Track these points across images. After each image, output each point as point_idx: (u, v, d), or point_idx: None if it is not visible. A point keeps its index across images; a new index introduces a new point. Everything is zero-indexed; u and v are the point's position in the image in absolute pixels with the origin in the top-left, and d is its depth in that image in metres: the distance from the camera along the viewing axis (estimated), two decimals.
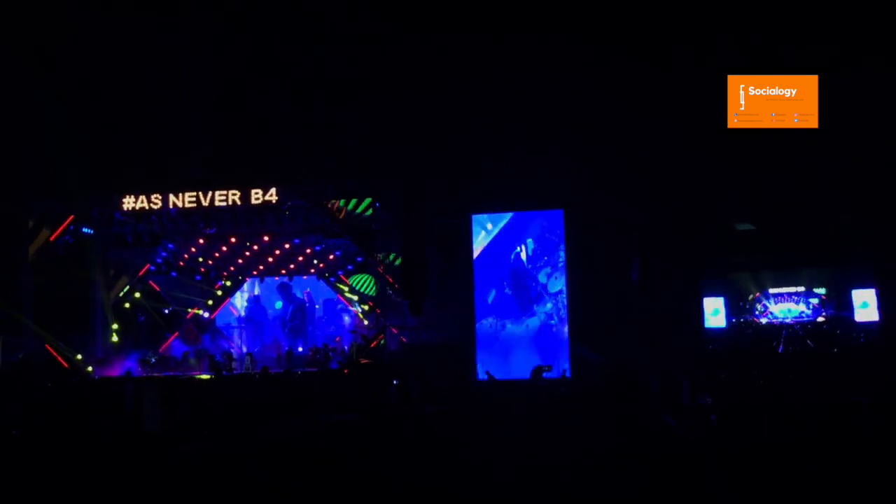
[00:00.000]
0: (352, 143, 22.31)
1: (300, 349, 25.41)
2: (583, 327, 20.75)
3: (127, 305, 25.53)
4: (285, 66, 22.38)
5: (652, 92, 20.05)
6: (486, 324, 21.64)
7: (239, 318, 27.97)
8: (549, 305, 21.36)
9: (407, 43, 21.14)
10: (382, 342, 22.80)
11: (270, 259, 25.93)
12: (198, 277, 27.01)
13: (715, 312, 22.37)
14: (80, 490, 10.06)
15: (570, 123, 21.11)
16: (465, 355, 21.15)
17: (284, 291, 27.68)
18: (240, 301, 28.50)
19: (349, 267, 25.57)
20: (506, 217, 21.84)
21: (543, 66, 20.75)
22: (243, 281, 27.92)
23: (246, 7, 21.87)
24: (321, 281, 26.91)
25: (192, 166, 22.71)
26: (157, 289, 26.44)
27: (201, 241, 24.44)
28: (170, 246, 24.93)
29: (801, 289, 22.66)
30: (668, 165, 20.49)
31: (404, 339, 22.56)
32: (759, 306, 22.72)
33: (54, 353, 22.85)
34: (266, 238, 24.28)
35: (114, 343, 24.76)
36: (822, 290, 22.51)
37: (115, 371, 23.14)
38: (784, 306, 22.59)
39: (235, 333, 27.08)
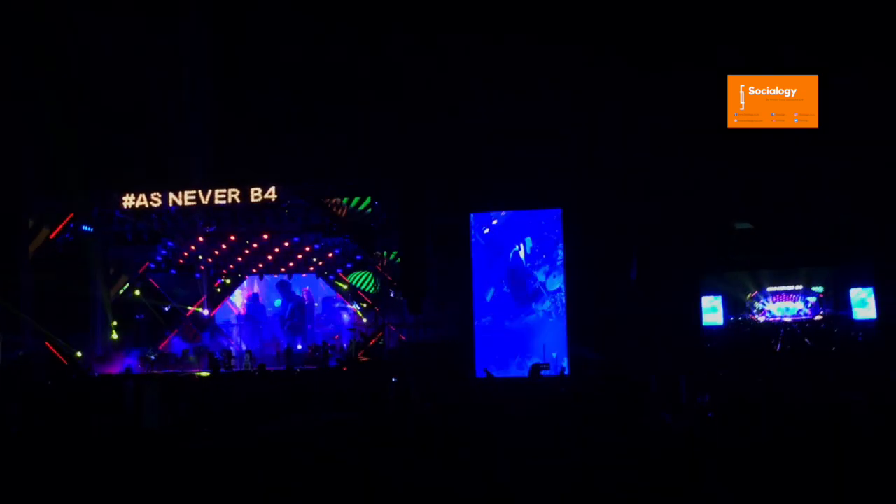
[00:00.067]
0: (351, 141, 22.32)
1: (299, 347, 25.43)
2: (581, 326, 20.77)
3: (128, 303, 25.60)
4: (285, 65, 22.37)
5: (651, 91, 20.07)
6: (484, 322, 21.67)
7: (238, 316, 27.97)
8: (547, 304, 21.39)
9: (406, 42, 21.15)
10: (381, 340, 22.84)
11: (270, 257, 25.93)
12: (197, 275, 27.01)
13: (712, 310, 22.41)
14: (80, 487, 10.09)
15: (570, 123, 21.14)
16: (463, 353, 21.18)
17: (284, 289, 27.69)
18: (239, 299, 28.51)
19: (348, 265, 25.58)
20: (505, 216, 21.86)
21: (543, 65, 20.77)
22: (243, 279, 27.92)
23: (245, 5, 21.86)
24: (320, 279, 26.92)
25: (192, 165, 22.71)
26: (157, 286, 26.46)
27: (201, 239, 24.46)
28: (169, 244, 24.95)
29: (799, 287, 22.68)
30: (667, 165, 20.50)
31: (403, 337, 22.60)
32: (757, 304, 22.74)
33: (54, 351, 22.87)
34: (265, 236, 24.31)
35: (114, 340, 24.80)
36: (819, 289, 22.54)
37: (115, 368, 23.16)
38: (782, 304, 22.61)
39: (235, 331, 27.08)
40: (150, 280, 26.27)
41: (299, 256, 25.87)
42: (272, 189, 22.02)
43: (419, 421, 14.46)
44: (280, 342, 26.05)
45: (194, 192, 22.25)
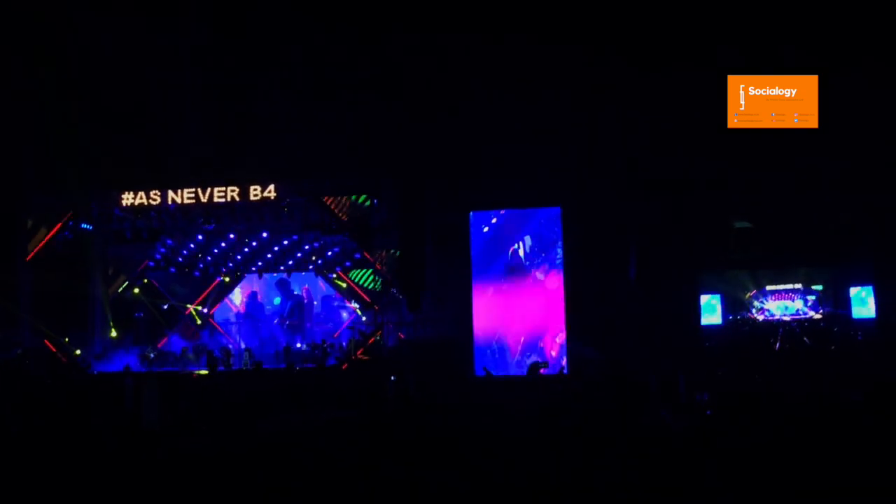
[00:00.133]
0: (351, 139, 22.32)
1: (298, 345, 25.45)
2: (580, 324, 20.78)
3: (127, 301, 25.61)
4: (285, 63, 22.36)
5: (652, 91, 20.07)
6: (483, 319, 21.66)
7: (237, 314, 27.99)
8: (546, 302, 21.37)
9: (406, 41, 21.14)
10: (380, 338, 22.85)
11: (269, 255, 25.95)
12: (196, 273, 27.03)
13: (711, 309, 22.43)
14: (79, 486, 10.08)
15: (569, 121, 21.13)
16: (462, 351, 21.19)
17: (283, 287, 27.72)
18: (238, 297, 28.52)
19: (347, 263, 25.61)
20: (504, 214, 21.85)
21: (543, 64, 20.76)
22: (242, 277, 27.93)
23: (245, 5, 21.84)
24: (319, 277, 26.93)
25: (192, 163, 22.71)
26: (156, 285, 26.48)
27: (200, 237, 24.46)
28: (169, 242, 24.96)
29: (799, 286, 22.70)
30: (666, 164, 20.51)
31: (402, 336, 22.61)
32: (756, 303, 22.77)
33: (53, 349, 22.88)
34: (264, 234, 24.32)
35: (113, 338, 24.82)
36: (819, 287, 22.57)
37: (114, 366, 23.17)
38: (781, 303, 22.63)
39: (234, 329, 27.11)
40: (150, 278, 26.29)
41: (298, 254, 25.90)
42: (271, 187, 22.03)
43: (417, 419, 14.46)
44: (279, 340, 26.08)
45: (193, 189, 22.26)
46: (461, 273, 21.75)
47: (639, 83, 20.15)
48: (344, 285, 26.51)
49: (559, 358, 20.71)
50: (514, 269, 21.64)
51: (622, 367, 17.34)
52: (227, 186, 22.13)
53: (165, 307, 26.51)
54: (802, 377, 16.71)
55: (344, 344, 24.07)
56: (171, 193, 22.35)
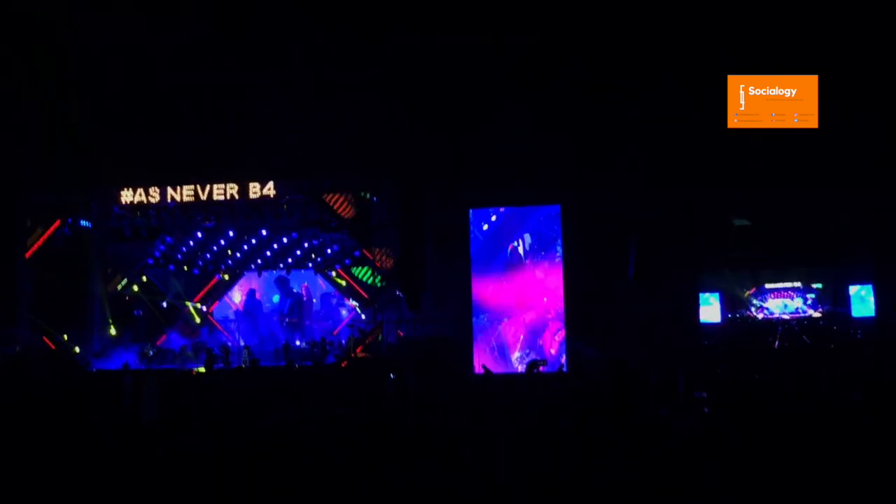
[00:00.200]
0: (350, 139, 22.28)
1: (297, 343, 25.46)
2: (579, 322, 20.79)
3: (126, 299, 25.60)
4: (285, 63, 22.33)
5: (652, 91, 20.06)
6: (483, 318, 21.67)
7: (236, 312, 28.00)
8: (545, 300, 21.39)
9: (406, 41, 21.10)
10: (380, 336, 22.84)
11: (268, 253, 25.95)
12: (196, 271, 27.03)
13: (710, 307, 22.43)
14: (78, 484, 10.08)
15: (569, 120, 21.11)
16: (461, 349, 21.19)
17: (282, 285, 27.73)
18: (237, 295, 28.53)
19: (346, 261, 25.60)
20: (504, 212, 21.85)
21: (543, 63, 20.76)
22: (241, 275, 27.94)
23: (245, 4, 21.79)
24: (318, 275, 26.93)
25: (191, 161, 22.68)
26: (155, 282, 26.47)
27: (199, 234, 24.45)
28: (168, 239, 24.97)
29: (798, 284, 22.72)
30: (666, 164, 20.51)
31: (401, 333, 22.60)
32: (755, 301, 22.78)
33: (52, 347, 22.86)
34: (264, 232, 24.31)
35: (111, 336, 24.81)
36: (818, 286, 22.59)
37: (113, 364, 23.15)
38: (780, 301, 22.66)
39: (233, 327, 27.12)
40: (149, 276, 26.28)
41: (298, 252, 25.90)
42: (270, 185, 22.01)
43: (416, 417, 14.47)
44: (278, 338, 26.10)
45: (192, 187, 22.25)
46: (461, 272, 21.74)
47: (638, 82, 20.14)
48: (343, 283, 26.53)
49: (558, 356, 20.72)
50: (514, 266, 21.64)
51: (621, 365, 17.32)
52: (226, 184, 22.12)
53: (164, 305, 26.51)
54: (802, 376, 16.71)
55: (343, 342, 24.07)
56: (170, 191, 22.35)
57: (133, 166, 22.52)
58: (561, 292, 21.12)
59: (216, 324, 27.42)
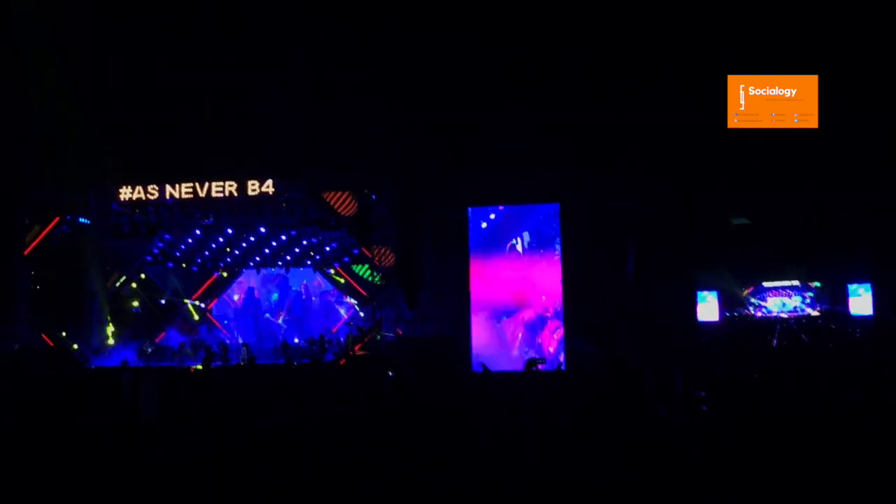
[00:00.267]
0: (350, 138, 22.27)
1: (296, 340, 25.45)
2: (578, 320, 20.79)
3: (125, 296, 25.60)
4: (284, 61, 22.31)
5: (652, 90, 20.07)
6: (481, 316, 21.68)
7: (235, 310, 27.99)
8: (543, 298, 21.40)
9: (406, 41, 21.09)
10: (378, 334, 22.84)
11: (267, 251, 25.93)
12: (194, 269, 27.01)
13: (707, 306, 22.43)
14: (77, 481, 10.08)
15: (569, 119, 21.10)
16: (460, 347, 21.19)
17: (281, 283, 27.70)
18: (236, 293, 28.52)
19: (345, 259, 25.59)
20: (503, 210, 21.85)
21: (542, 63, 20.75)
22: (239, 272, 27.92)
23: (246, 4, 21.77)
24: (318, 273, 26.92)
25: (190, 158, 22.65)
26: (154, 279, 26.45)
27: (198, 232, 24.42)
28: (166, 237, 24.92)
29: (796, 283, 22.73)
30: (665, 163, 20.52)
31: (400, 331, 22.61)
32: (753, 300, 22.79)
33: (51, 344, 22.84)
34: (262, 229, 24.28)
35: (110, 333, 24.78)
36: (817, 284, 22.61)
37: (112, 361, 23.13)
38: (778, 300, 22.67)
39: (232, 324, 27.11)
40: (147, 273, 26.25)
41: (297, 250, 25.88)
42: (269, 182, 21.99)
43: (415, 415, 14.47)
44: (277, 336, 26.08)
45: (191, 184, 22.22)
46: (460, 270, 21.74)
47: (638, 82, 20.15)
48: (342, 281, 26.51)
49: (557, 354, 20.73)
50: (512, 265, 21.63)
51: (620, 362, 17.34)
52: (225, 181, 22.09)
53: (163, 302, 26.49)
54: (800, 375, 16.73)
55: (342, 339, 24.06)
56: (169, 188, 22.31)
57: (132, 163, 22.50)
58: (560, 290, 21.12)
59: (215, 321, 27.40)
